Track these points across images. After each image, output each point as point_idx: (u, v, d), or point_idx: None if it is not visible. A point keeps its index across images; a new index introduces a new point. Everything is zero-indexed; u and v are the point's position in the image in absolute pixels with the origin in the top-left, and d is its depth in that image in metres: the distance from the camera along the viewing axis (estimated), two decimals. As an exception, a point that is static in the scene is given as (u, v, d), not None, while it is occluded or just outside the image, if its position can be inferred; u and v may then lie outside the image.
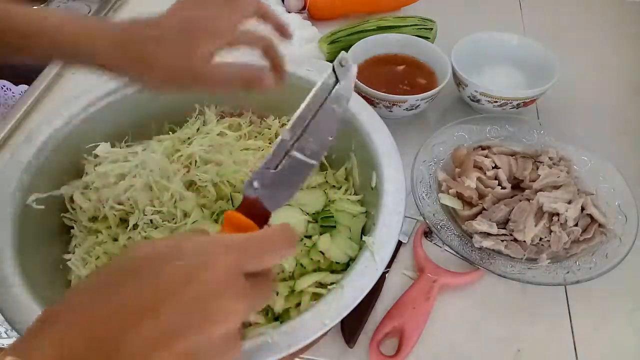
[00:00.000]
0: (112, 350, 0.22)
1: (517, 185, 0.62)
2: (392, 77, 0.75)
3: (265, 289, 0.29)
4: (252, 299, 0.27)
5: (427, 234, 0.61)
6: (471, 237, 0.58)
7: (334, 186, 0.58)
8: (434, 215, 0.58)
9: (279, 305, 0.46)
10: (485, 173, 0.62)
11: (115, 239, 0.51)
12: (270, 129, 0.62)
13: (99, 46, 0.40)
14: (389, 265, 0.58)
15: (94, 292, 0.25)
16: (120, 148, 0.58)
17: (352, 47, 0.74)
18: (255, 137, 0.61)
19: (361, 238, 0.50)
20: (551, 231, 0.56)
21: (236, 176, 0.54)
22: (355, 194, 0.56)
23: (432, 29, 0.83)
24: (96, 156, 0.56)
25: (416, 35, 0.78)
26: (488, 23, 0.89)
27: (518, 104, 0.70)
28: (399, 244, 0.60)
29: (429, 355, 0.51)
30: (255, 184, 0.33)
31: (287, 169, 0.33)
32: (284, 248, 0.29)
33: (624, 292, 0.57)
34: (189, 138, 0.59)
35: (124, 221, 0.52)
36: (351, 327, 0.52)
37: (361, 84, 0.68)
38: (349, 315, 0.52)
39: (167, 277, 0.25)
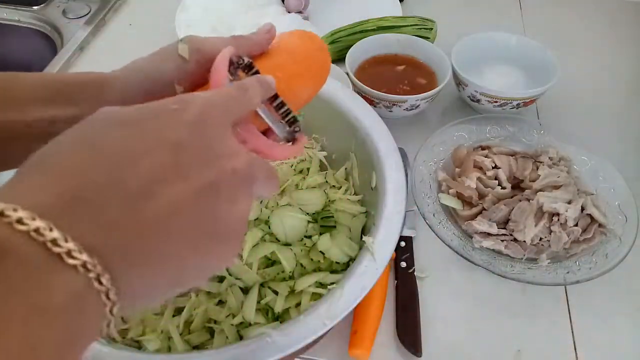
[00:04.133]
0: (117, 183, 0.20)
1: (517, 185, 0.62)
2: (392, 77, 0.75)
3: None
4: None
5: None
6: (471, 237, 0.58)
7: (333, 186, 0.58)
8: (434, 215, 0.58)
9: (279, 305, 0.46)
10: (485, 173, 0.62)
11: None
12: (270, 129, 0.61)
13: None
14: (412, 263, 0.58)
15: (80, 139, 0.22)
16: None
17: (352, 47, 0.74)
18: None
19: (361, 238, 0.50)
20: (551, 231, 0.56)
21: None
22: (355, 194, 0.56)
23: (432, 29, 0.83)
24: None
25: (416, 35, 0.78)
26: (488, 23, 0.90)
27: (518, 104, 0.70)
28: (411, 240, 0.60)
29: (429, 355, 0.51)
30: None
31: None
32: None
33: (624, 292, 0.57)
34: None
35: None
36: (411, 336, 0.52)
37: (361, 84, 0.68)
38: (402, 326, 0.52)
39: (161, 127, 0.23)
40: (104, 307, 0.20)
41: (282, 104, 0.32)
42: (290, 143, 0.34)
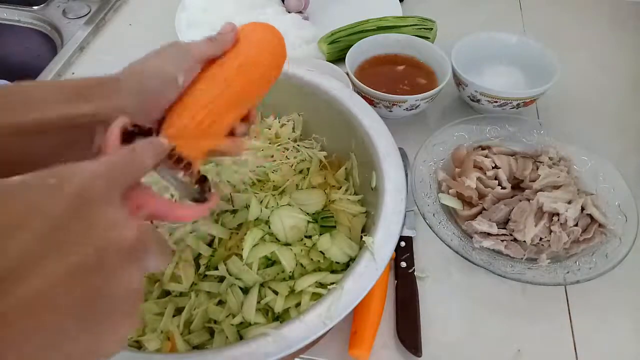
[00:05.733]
0: None
1: (517, 185, 0.62)
2: (392, 77, 0.75)
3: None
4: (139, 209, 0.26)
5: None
6: (471, 237, 0.58)
7: (333, 186, 0.58)
8: (434, 215, 0.58)
9: (279, 305, 0.46)
10: (485, 173, 0.62)
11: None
12: (270, 128, 0.61)
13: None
14: (412, 263, 0.58)
15: None
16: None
17: (352, 47, 0.74)
18: (255, 137, 0.61)
19: (361, 238, 0.50)
20: (551, 231, 0.56)
21: (236, 176, 0.54)
22: (355, 194, 0.56)
23: (432, 29, 0.83)
24: (96, 156, 0.55)
25: (416, 35, 0.78)
26: (488, 23, 0.90)
27: (518, 104, 0.70)
28: (411, 240, 0.60)
29: (429, 355, 0.51)
30: None
31: None
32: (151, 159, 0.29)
33: (624, 292, 0.57)
34: (189, 138, 0.58)
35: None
36: (411, 336, 0.52)
37: (361, 84, 0.68)
38: (402, 326, 0.52)
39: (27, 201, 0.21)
40: None
41: (188, 165, 0.32)
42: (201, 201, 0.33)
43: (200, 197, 0.33)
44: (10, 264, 0.19)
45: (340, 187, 0.57)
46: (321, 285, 0.47)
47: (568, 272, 0.54)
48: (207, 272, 0.49)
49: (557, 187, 0.59)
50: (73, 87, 0.34)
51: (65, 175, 0.23)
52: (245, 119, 0.43)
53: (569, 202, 0.57)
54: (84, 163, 0.24)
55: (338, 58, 0.81)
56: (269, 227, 0.50)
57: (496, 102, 0.70)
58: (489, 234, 0.57)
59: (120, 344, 0.23)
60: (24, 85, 0.34)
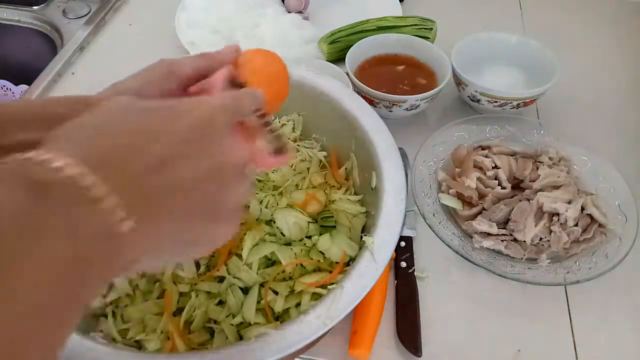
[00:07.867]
0: (141, 149, 0.24)
1: (517, 185, 0.62)
2: (392, 77, 0.75)
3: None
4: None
5: None
6: (471, 237, 0.58)
7: (333, 186, 0.58)
8: (434, 215, 0.58)
9: (279, 305, 0.46)
10: (485, 173, 0.62)
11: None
12: (270, 129, 0.61)
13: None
14: (412, 263, 0.58)
15: (104, 119, 0.26)
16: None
17: (352, 47, 0.74)
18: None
19: (361, 238, 0.50)
20: (551, 231, 0.56)
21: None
22: (355, 194, 0.56)
23: (432, 29, 0.83)
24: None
25: (416, 35, 0.78)
26: (488, 23, 0.90)
27: (518, 104, 0.70)
28: (411, 240, 0.60)
29: (429, 355, 0.51)
30: None
31: None
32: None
33: (624, 292, 0.57)
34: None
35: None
36: (411, 336, 0.52)
37: (361, 84, 0.68)
38: (402, 326, 0.52)
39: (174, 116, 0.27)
40: (123, 247, 0.23)
41: (270, 120, 0.35)
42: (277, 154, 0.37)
43: (278, 151, 0.37)
44: (158, 154, 0.25)
45: (340, 187, 0.57)
46: (321, 285, 0.47)
47: (568, 272, 0.54)
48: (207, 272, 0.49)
49: (557, 187, 0.59)
50: (41, 108, 0.33)
51: (196, 104, 0.29)
52: None
53: (569, 202, 0.57)
54: (207, 97, 0.31)
55: (338, 58, 0.81)
56: (270, 227, 0.50)
57: (496, 102, 0.70)
58: (489, 234, 0.57)
59: (222, 241, 0.30)
60: None
